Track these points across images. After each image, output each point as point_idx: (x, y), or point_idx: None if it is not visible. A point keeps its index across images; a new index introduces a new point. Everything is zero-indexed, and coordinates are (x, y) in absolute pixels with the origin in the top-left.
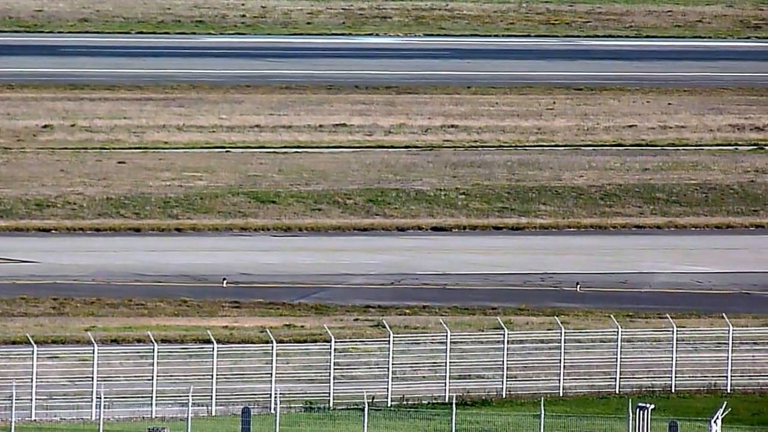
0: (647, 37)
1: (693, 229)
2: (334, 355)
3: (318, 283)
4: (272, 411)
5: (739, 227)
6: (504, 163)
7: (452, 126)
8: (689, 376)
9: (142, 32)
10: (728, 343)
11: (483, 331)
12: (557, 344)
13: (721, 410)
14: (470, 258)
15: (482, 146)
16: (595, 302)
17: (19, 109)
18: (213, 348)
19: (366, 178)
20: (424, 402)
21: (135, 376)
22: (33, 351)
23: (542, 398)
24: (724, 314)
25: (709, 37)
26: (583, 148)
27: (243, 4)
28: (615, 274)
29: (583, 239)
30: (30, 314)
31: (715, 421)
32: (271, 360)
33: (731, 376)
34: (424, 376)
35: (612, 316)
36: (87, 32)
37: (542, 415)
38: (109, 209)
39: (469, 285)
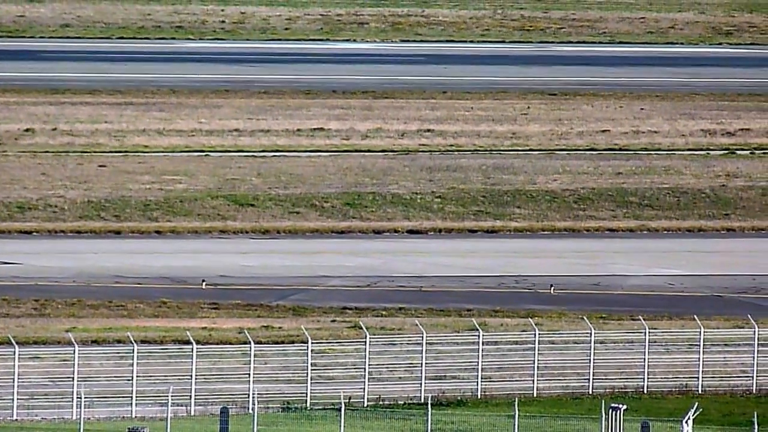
0: (620, 43)
1: (665, 232)
2: (312, 356)
3: (295, 285)
4: (250, 411)
5: (710, 231)
6: (479, 167)
7: (428, 130)
8: (661, 377)
9: (122, 38)
10: (699, 345)
11: (458, 332)
12: (531, 346)
13: (693, 411)
14: (446, 260)
15: (458, 150)
16: (569, 304)
17: (1, 113)
18: (192, 349)
19: (343, 181)
20: (400, 402)
21: (115, 377)
22: (14, 351)
23: (516, 399)
24: (695, 316)
25: (681, 44)
26: (557, 152)
27: (222, 11)
28: (588, 277)
29: (556, 242)
30: (11, 315)
31: (686, 422)
32: (249, 361)
33: (702, 377)
34: (400, 377)
35: (585, 317)
36: (68, 37)
37: (516, 416)
38: (89, 212)
39: (445, 287)
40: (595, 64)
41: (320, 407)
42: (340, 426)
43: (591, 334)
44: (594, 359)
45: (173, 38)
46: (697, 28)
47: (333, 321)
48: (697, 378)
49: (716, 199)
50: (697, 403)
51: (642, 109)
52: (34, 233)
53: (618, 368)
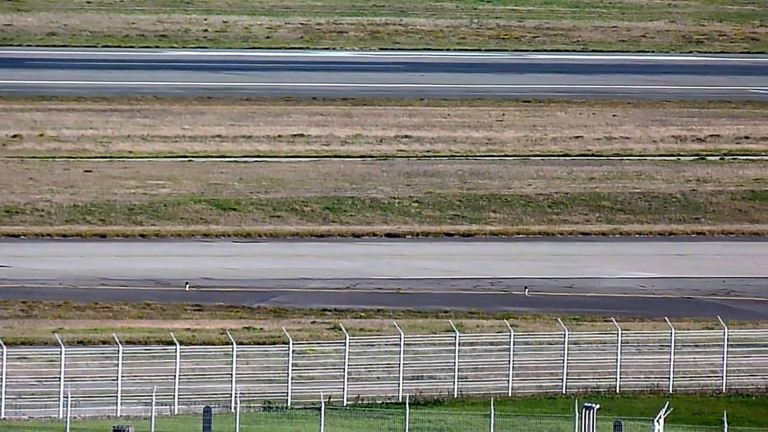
0: (593, 51)
1: (637, 236)
2: (292, 357)
3: (277, 288)
4: (232, 410)
5: (681, 234)
6: (455, 172)
7: (406, 136)
8: (633, 377)
9: (108, 46)
10: (671, 346)
11: (435, 333)
12: (506, 346)
13: (664, 410)
14: (423, 263)
15: (435, 156)
16: (543, 306)
17: None
18: (176, 349)
19: (323, 186)
20: (378, 402)
21: (101, 377)
22: (2, 352)
23: (492, 398)
24: (666, 318)
25: (653, 52)
26: (531, 158)
27: (205, 19)
28: (562, 279)
29: (531, 246)
30: None
31: (658, 421)
32: (232, 361)
33: (673, 377)
34: (378, 377)
35: (559, 319)
36: (55, 46)
37: (492, 415)
38: (76, 216)
39: (422, 289)
40: (568, 71)
41: (301, 406)
42: (320, 425)
43: (565, 335)
44: (568, 360)
45: (157, 47)
46: (668, 36)
47: (313, 322)
48: (668, 378)
49: (687, 203)
50: (668, 403)
51: (614, 115)
52: (22, 237)
53: (591, 368)
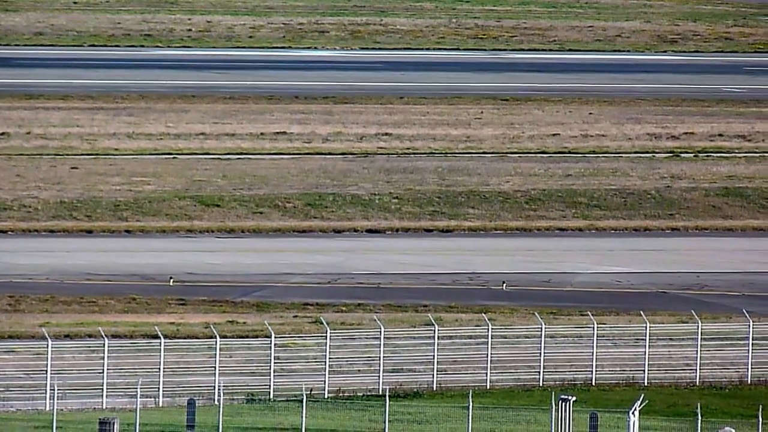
0: (569, 50)
1: (612, 231)
2: (274, 350)
3: (259, 282)
4: (216, 402)
5: (655, 230)
6: (434, 169)
7: (386, 134)
8: (609, 370)
9: (93, 45)
10: (645, 339)
11: (415, 327)
12: (484, 340)
13: (639, 402)
14: (403, 258)
15: (414, 153)
16: (520, 300)
17: None
18: (160, 343)
19: (305, 183)
20: (359, 394)
21: (87, 370)
22: None
23: (470, 391)
24: (641, 312)
25: (628, 51)
26: (509, 155)
27: (189, 19)
28: (539, 274)
29: (509, 241)
30: None
31: (633, 413)
32: (215, 354)
33: (648, 370)
34: (359, 370)
35: (536, 313)
36: (41, 45)
37: (470, 407)
38: (62, 212)
39: (402, 284)
40: (545, 70)
41: (283, 399)
42: (302, 416)
43: (542, 328)
44: (544, 353)
45: (142, 46)
46: (643, 36)
47: (295, 316)
48: (643, 371)
49: (661, 199)
50: (643, 395)
51: (590, 113)
52: (9, 232)
53: (567, 361)
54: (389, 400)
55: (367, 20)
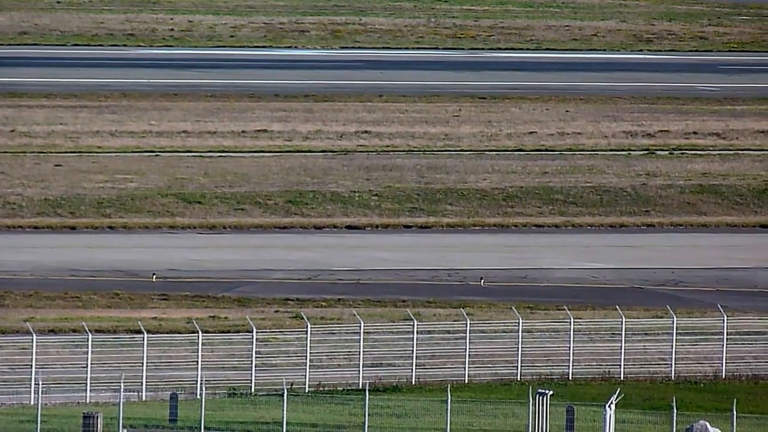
0: (546, 49)
1: (589, 228)
2: (256, 345)
3: (241, 278)
4: (198, 396)
5: (631, 226)
6: (413, 166)
7: (365, 132)
8: (585, 365)
9: (77, 45)
10: (621, 334)
11: (394, 322)
12: (463, 335)
13: (615, 396)
14: (382, 255)
15: (393, 151)
16: (498, 296)
17: None
18: (143, 338)
19: (285, 180)
20: (339, 388)
21: (71, 364)
22: None
23: (449, 385)
24: (617, 307)
25: (604, 50)
26: (487, 153)
27: (171, 19)
28: (517, 270)
29: (487, 237)
30: None
31: (609, 406)
32: (197, 349)
33: (624, 364)
34: (339, 364)
35: (514, 308)
36: (26, 44)
37: (449, 401)
38: (46, 209)
39: (381, 280)
40: (522, 69)
41: (264, 393)
42: (283, 410)
43: (519, 323)
44: (522, 347)
45: (125, 45)
46: (619, 35)
47: (276, 311)
48: (619, 365)
49: (637, 196)
50: (619, 389)
51: (567, 111)
52: None
53: (545, 356)
54: (369, 394)
55: (347, 20)
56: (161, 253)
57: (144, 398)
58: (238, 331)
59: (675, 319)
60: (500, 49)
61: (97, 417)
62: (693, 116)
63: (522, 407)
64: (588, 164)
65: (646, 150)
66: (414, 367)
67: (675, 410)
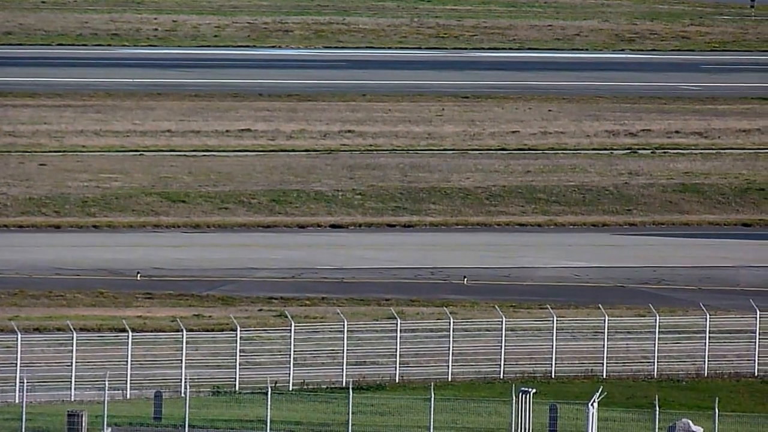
0: (529, 49)
1: (571, 227)
2: (240, 343)
3: (225, 277)
4: (182, 395)
5: (614, 225)
6: (397, 165)
7: (349, 131)
8: (568, 363)
9: (61, 44)
10: (604, 332)
11: (377, 320)
12: (446, 333)
13: (598, 394)
14: (366, 253)
15: (377, 150)
16: (481, 294)
17: None
18: (128, 336)
19: (269, 179)
20: (323, 386)
21: (55, 363)
22: None
23: (432, 383)
24: (600, 305)
25: (587, 50)
26: (470, 152)
27: (155, 19)
28: (499, 269)
29: (470, 236)
30: None
31: (592, 404)
32: (182, 347)
33: (607, 362)
34: (323, 363)
35: (497, 307)
36: (10, 44)
37: (432, 399)
38: (31, 208)
39: (365, 278)
40: (505, 68)
41: (248, 391)
42: (267, 408)
43: (502, 322)
44: (505, 346)
45: (109, 45)
46: (602, 35)
47: (260, 310)
48: (602, 363)
49: (619, 195)
50: (601, 387)
51: (550, 110)
52: None
53: (528, 354)
54: (352, 393)
55: (330, 20)
56: (146, 251)
57: (129, 396)
58: (223, 330)
59: (657, 317)
60: (483, 48)
61: (82, 415)
62: (675, 115)
63: (505, 405)
64: (571, 163)
65: (628, 149)
66: (397, 366)
67: (657, 408)
